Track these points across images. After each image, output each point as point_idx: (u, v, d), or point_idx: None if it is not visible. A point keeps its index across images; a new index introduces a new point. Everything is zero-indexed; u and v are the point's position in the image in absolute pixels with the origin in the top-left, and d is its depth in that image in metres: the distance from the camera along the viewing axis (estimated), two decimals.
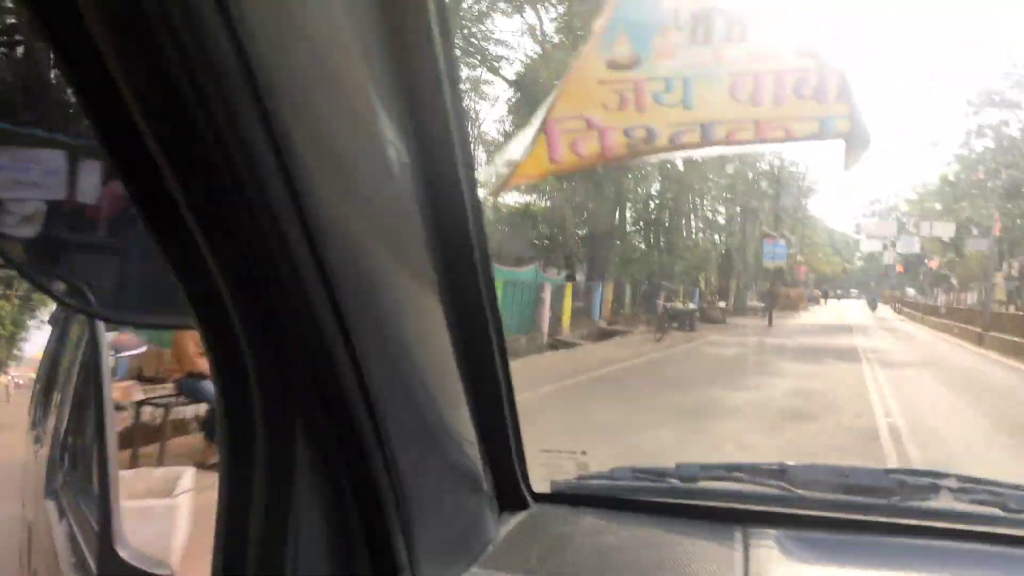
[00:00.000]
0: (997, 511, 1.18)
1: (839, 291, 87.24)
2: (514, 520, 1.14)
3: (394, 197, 0.77)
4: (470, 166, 0.85)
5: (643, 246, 27.27)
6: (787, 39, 2.56)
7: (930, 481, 1.27)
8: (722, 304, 29.66)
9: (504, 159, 2.03)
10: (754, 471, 1.32)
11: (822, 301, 63.62)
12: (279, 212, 0.57)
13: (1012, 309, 29.15)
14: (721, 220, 37.47)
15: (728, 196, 35.24)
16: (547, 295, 16.58)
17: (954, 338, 23.43)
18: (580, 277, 21.21)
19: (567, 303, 18.08)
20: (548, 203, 20.96)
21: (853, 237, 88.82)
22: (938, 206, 43.56)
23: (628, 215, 26.17)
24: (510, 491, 1.15)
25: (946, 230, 37.08)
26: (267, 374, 0.67)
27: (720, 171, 31.33)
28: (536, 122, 1.94)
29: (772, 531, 1.13)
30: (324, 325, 0.64)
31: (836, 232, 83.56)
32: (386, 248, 0.74)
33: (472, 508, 1.01)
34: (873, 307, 53.25)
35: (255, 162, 0.54)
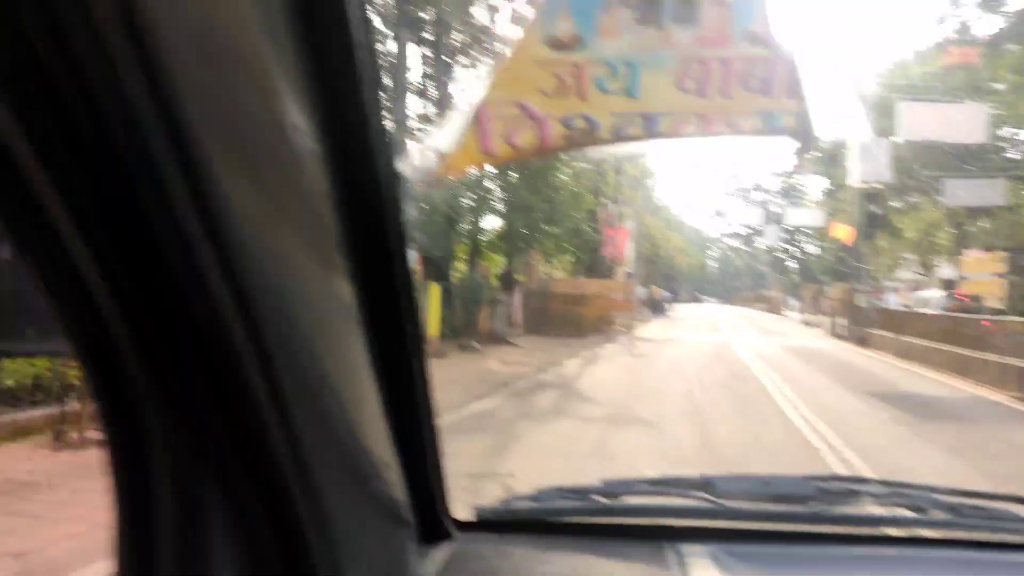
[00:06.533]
0: (910, 514, 1.26)
1: (696, 292, 77.74)
2: (438, 554, 1.07)
3: (308, 193, 0.67)
4: (390, 158, 0.76)
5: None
6: (738, 23, 2.49)
7: (848, 487, 1.35)
8: None
9: (432, 150, 1.86)
10: (678, 484, 1.34)
11: (669, 308, 41.62)
12: (178, 212, 0.46)
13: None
14: None
15: None
16: None
17: None
18: None
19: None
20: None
21: (705, 234, 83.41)
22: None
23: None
24: (432, 522, 1.07)
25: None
26: (165, 408, 0.56)
27: None
28: (468, 108, 1.77)
29: (703, 547, 1.15)
30: (235, 347, 0.52)
31: (686, 226, 77.76)
32: (301, 255, 0.64)
33: (396, 544, 0.92)
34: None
35: (149, 153, 0.44)
